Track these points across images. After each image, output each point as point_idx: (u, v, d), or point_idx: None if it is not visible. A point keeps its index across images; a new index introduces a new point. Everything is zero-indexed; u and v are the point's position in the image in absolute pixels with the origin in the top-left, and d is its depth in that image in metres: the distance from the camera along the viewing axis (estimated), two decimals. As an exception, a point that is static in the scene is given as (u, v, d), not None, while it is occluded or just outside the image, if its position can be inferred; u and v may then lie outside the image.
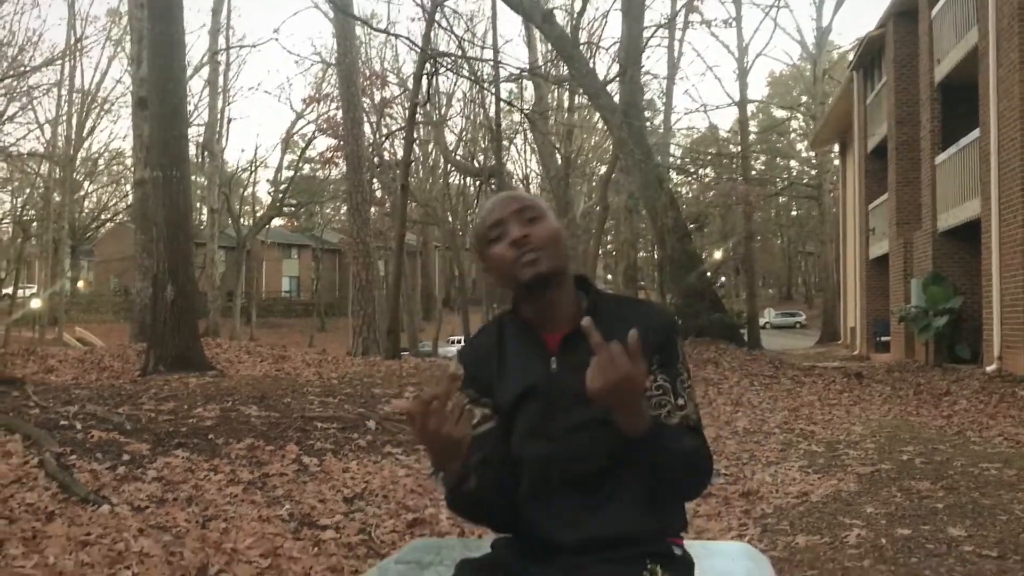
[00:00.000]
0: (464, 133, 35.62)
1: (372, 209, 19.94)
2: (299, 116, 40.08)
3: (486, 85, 19.67)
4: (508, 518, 1.76)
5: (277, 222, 51.91)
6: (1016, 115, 12.01)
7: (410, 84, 23.51)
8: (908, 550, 4.47)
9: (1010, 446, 7.11)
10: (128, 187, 48.38)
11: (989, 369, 12.54)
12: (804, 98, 46.15)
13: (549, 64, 27.90)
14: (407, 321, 24.98)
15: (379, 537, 5.08)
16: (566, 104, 30.48)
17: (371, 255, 14.08)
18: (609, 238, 40.37)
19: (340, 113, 20.42)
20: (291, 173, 44.59)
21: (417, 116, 17.83)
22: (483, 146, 33.40)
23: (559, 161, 28.31)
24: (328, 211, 58.75)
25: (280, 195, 45.18)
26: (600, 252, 32.17)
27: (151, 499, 5.13)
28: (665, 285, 15.92)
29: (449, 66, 17.62)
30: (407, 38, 17.28)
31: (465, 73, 20.68)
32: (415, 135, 19.32)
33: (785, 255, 71.78)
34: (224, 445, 6.13)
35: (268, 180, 63.22)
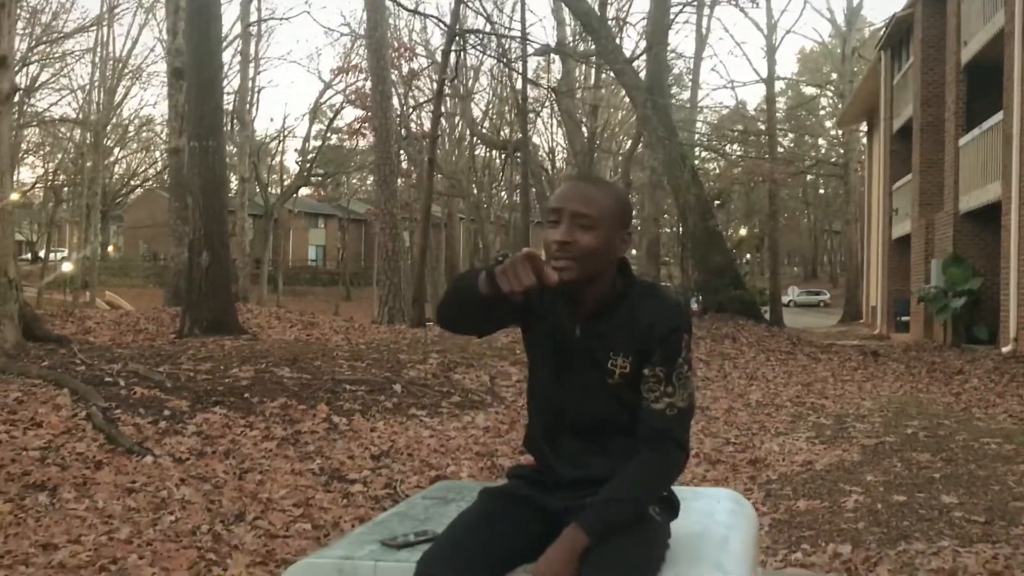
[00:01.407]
0: (490, 107, 35.75)
1: (399, 180, 20.19)
2: (327, 86, 40.35)
3: (511, 62, 19.81)
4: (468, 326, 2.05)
5: (304, 191, 52.28)
6: (1039, 99, 12.10)
7: (438, 56, 23.71)
8: (901, 514, 4.74)
9: (1013, 423, 7.33)
10: (158, 154, 48.92)
11: (1005, 350, 12.70)
12: (834, 76, 45.84)
13: (577, 40, 27.99)
14: (431, 292, 25.29)
15: (404, 492, 5.40)
16: (591, 80, 30.54)
17: (397, 226, 14.38)
18: (633, 214, 40.43)
19: (368, 85, 20.66)
20: (319, 143, 44.89)
21: (445, 90, 18.04)
22: (509, 120, 33.53)
23: (584, 136, 28.43)
24: (354, 181, 59.07)
25: (308, 165, 45.52)
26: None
27: (191, 452, 5.48)
28: (687, 261, 16.12)
29: (477, 43, 17.83)
30: (435, 17, 17.47)
31: (492, 52, 20.85)
32: (442, 108, 19.55)
33: (811, 233, 71.41)
34: (259, 404, 6.47)
35: (296, 150, 63.65)
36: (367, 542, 2.08)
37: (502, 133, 35.24)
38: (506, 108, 34.12)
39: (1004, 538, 4.28)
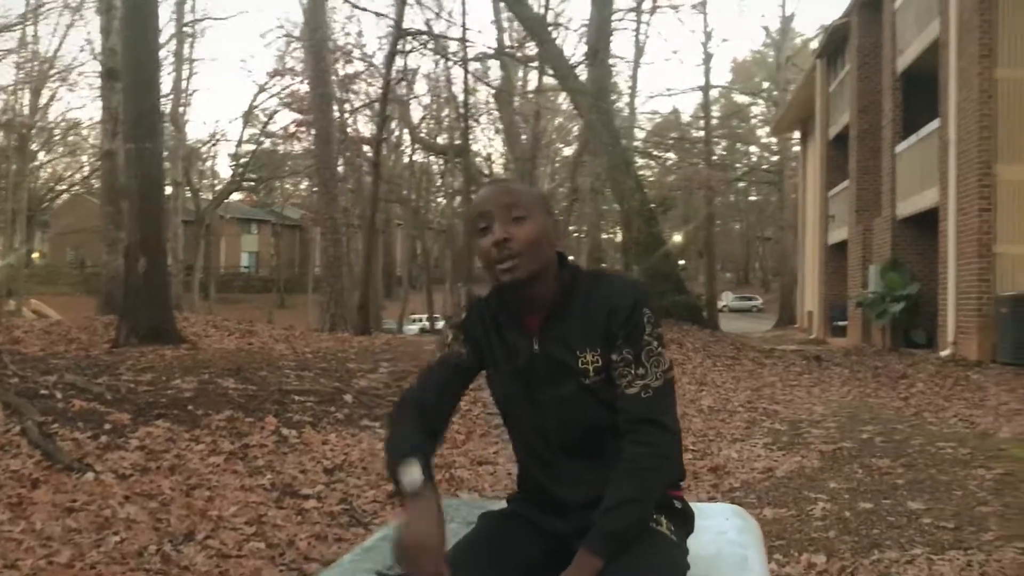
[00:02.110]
0: (429, 111, 35.51)
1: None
2: (262, 89, 39.65)
3: (459, 63, 19.65)
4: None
5: (236, 197, 51.38)
6: (974, 107, 12.34)
7: (375, 60, 23.45)
8: (871, 522, 4.70)
9: (965, 426, 7.40)
10: (85, 158, 47.60)
11: (943, 354, 12.93)
12: (766, 84, 46.61)
13: (516, 45, 27.95)
14: (370, 299, 24.98)
15: (360, 507, 5.21)
16: (531, 84, 30.56)
17: (339, 231, 14.10)
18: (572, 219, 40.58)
19: (305, 87, 20.29)
20: (252, 147, 44.14)
21: (390, 93, 17.81)
22: (447, 124, 33.34)
23: (524, 142, 28.39)
24: (288, 186, 58.24)
25: (240, 169, 44.73)
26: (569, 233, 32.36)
27: (134, 467, 5.20)
28: (630, 267, 16.11)
29: (421, 45, 17.63)
30: (386, 15, 17.12)
31: (439, 52, 20.65)
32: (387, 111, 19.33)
33: (743, 240, 72.58)
34: (204, 416, 6.20)
35: (229, 154, 62.55)
36: (359, 571, 1.91)
37: (439, 138, 35.04)
38: (444, 112, 33.96)
39: (976, 544, 4.26)
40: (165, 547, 4.18)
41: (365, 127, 34.62)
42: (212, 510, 4.75)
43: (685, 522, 1.87)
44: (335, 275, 13.89)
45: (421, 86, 35.92)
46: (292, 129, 28.03)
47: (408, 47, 17.19)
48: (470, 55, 18.98)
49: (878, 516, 4.80)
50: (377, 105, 35.37)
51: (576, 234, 29.69)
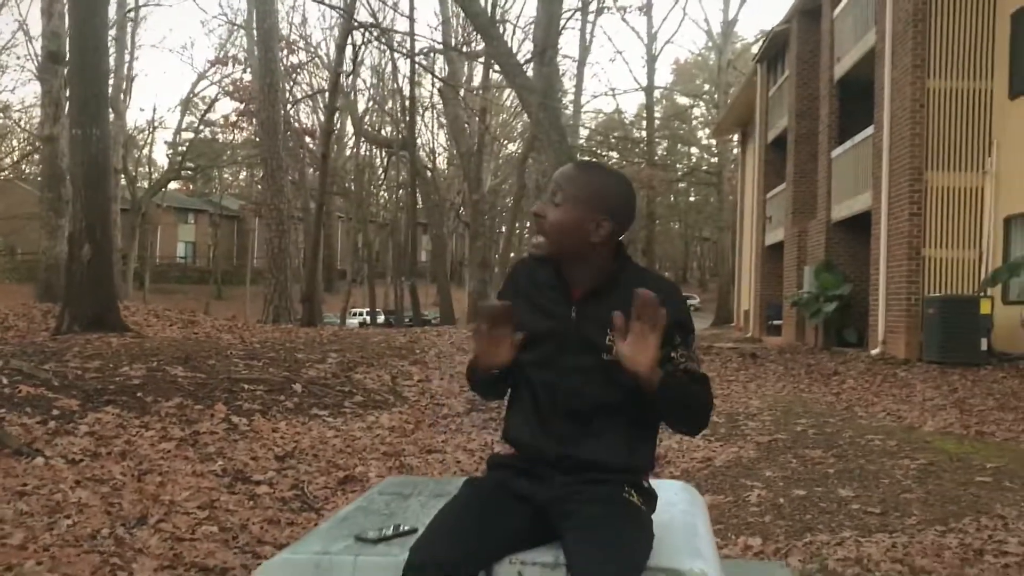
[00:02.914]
0: (372, 103, 35.39)
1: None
2: (201, 77, 39.14)
3: (406, 56, 19.63)
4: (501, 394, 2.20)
5: (173, 186, 50.53)
6: (907, 114, 12.79)
7: (320, 51, 23.30)
8: (803, 508, 4.94)
9: (892, 420, 7.74)
10: (15, 143, 46.36)
11: (874, 352, 13.38)
12: (706, 87, 47.35)
13: (462, 40, 27.99)
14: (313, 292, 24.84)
15: (312, 492, 5.30)
16: (476, 81, 30.62)
17: (285, 222, 14.05)
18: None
19: (248, 76, 20.10)
20: (191, 136, 43.50)
21: (340, 84, 17.74)
22: (392, 118, 33.25)
23: (469, 137, 28.46)
24: (227, 176, 57.46)
25: (179, 158, 44.02)
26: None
27: (84, 453, 5.23)
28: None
29: (373, 37, 17.59)
30: (339, 8, 16.87)
31: (392, 45, 20.60)
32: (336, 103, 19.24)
33: (682, 239, 73.51)
34: (153, 403, 6.22)
35: (166, 142, 61.45)
36: (338, 537, 2.03)
37: (383, 131, 34.95)
38: (388, 106, 33.83)
39: (900, 528, 4.52)
40: (118, 530, 4.23)
41: (307, 118, 34.44)
42: (164, 495, 4.80)
43: (651, 500, 2.06)
44: (280, 267, 13.84)
45: (366, 78, 35.78)
46: (234, 118, 27.78)
47: (359, 40, 17.18)
48: (417, 49, 19.01)
49: (810, 502, 5.04)
50: (319, 96, 35.24)
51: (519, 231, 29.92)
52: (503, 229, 39.15)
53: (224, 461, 5.50)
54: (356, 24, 15.26)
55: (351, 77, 18.77)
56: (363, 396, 7.27)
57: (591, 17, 30.70)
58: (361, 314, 39.13)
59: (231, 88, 30.36)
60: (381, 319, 36.14)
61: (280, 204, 13.84)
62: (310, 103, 33.09)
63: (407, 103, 21.77)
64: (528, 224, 33.55)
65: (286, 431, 6.21)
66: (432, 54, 25.47)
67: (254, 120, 22.27)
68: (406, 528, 2.05)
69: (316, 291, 15.43)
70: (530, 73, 16.40)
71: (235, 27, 31.35)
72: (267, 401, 6.71)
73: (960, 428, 7.32)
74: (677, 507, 2.29)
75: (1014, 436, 6.95)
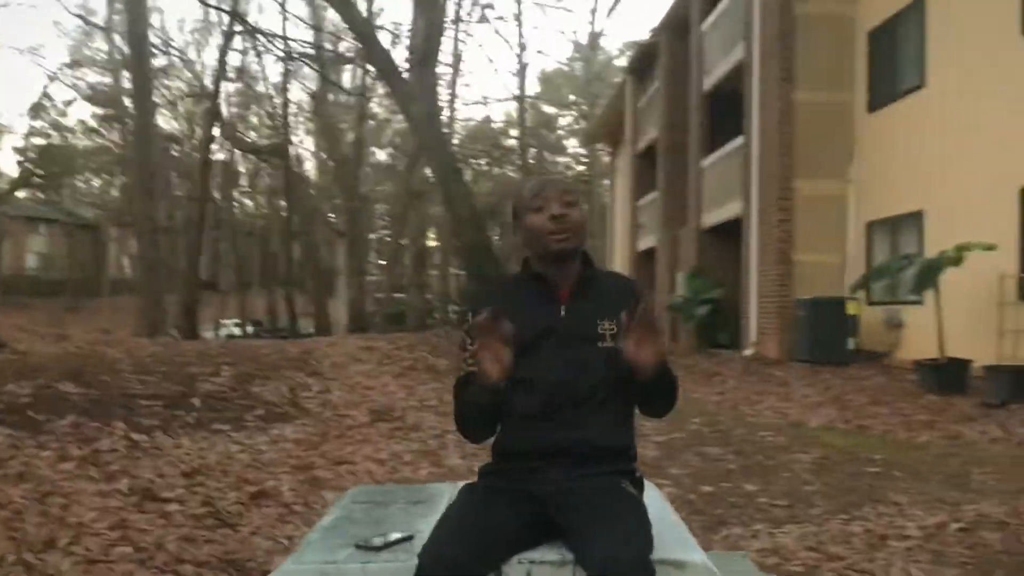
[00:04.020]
0: (243, 109, 34.49)
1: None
2: (53, 80, 37.27)
3: (282, 60, 19.24)
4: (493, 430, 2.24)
5: (21, 194, 47.87)
6: (775, 126, 13.44)
7: (189, 54, 22.53)
8: (714, 503, 5.16)
9: (778, 417, 8.14)
10: None
11: (747, 353, 13.98)
12: (572, 96, 48.21)
13: (334, 47, 27.67)
14: (179, 304, 23.97)
15: (225, 509, 5.18)
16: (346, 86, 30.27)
17: (158, 232, 13.54)
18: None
19: (107, 79, 19.30)
20: (41, 141, 41.32)
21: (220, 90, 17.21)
22: (262, 123, 32.52)
23: (344, 144, 28.13)
24: (81, 184, 54.81)
25: (27, 165, 41.76)
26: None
27: (-23, 477, 4.96)
28: (461, 272, 16.45)
29: (261, 43, 17.17)
30: (226, 9, 16.31)
31: (267, 49, 20.17)
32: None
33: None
34: (46, 422, 5.95)
35: (14, 148, 58.20)
36: (335, 547, 2.05)
37: (248, 137, 34.10)
38: (251, 109, 33.04)
39: (807, 518, 4.78)
40: (25, 555, 4.05)
41: (165, 123, 33.26)
42: (71, 517, 4.61)
43: (641, 488, 2.21)
44: (154, 278, 13.36)
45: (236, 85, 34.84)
46: (94, 123, 26.62)
47: (240, 45, 16.76)
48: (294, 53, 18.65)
49: (719, 498, 5.27)
50: (180, 101, 34.14)
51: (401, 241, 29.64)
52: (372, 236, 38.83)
53: (129, 479, 5.31)
54: (249, 29, 14.90)
55: (219, 82, 18.37)
56: (264, 409, 7.13)
57: (463, 26, 30.78)
58: (228, 326, 37.98)
59: (91, 92, 29.09)
60: (252, 328, 35.14)
61: (152, 213, 13.36)
62: (165, 112, 31.99)
63: (280, 108, 21.36)
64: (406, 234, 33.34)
65: (190, 447, 6.04)
66: (306, 60, 25.06)
67: (115, 125, 21.43)
68: (404, 535, 2.08)
69: (197, 302, 14.99)
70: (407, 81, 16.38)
71: (95, 29, 29.96)
72: (166, 417, 6.50)
73: (842, 423, 7.77)
74: (649, 503, 2.39)
75: (891, 429, 7.43)
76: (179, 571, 4.18)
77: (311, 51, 20.79)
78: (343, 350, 10.08)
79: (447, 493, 2.56)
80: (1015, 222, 9.70)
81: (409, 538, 2.07)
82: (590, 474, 2.08)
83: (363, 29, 15.08)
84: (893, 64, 12.58)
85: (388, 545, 2.02)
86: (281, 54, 20.44)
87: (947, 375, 9.33)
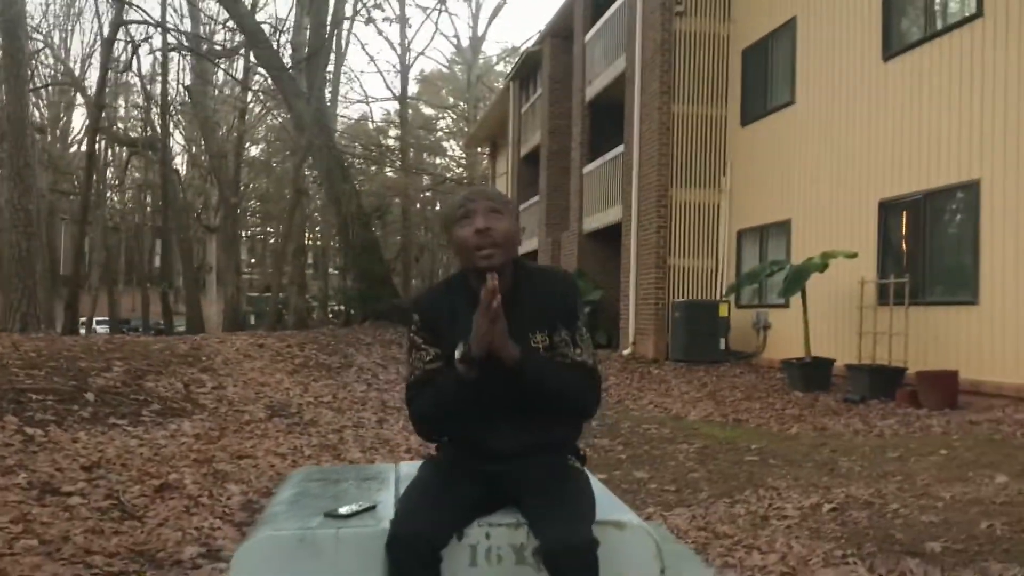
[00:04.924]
0: (108, 101, 33.24)
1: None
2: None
3: (158, 52, 18.68)
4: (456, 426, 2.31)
5: None
6: (655, 136, 14.03)
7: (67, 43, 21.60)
8: (609, 489, 5.47)
9: (660, 412, 8.58)
10: None
11: (625, 352, 14.51)
12: (451, 99, 48.45)
13: (212, 39, 27.10)
14: (43, 299, 22.95)
15: (130, 501, 5.19)
16: (223, 79, 29.62)
17: (33, 223, 13.03)
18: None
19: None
20: None
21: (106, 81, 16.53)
22: (136, 115, 31.45)
23: (221, 139, 27.54)
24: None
25: None
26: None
27: None
28: (347, 271, 16.40)
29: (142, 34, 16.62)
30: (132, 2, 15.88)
31: (207, 52, 19.45)
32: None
33: (429, 247, 74.51)
34: (-66, 417, 5.79)
35: None
36: (305, 517, 2.21)
37: (116, 128, 32.91)
38: (120, 101, 31.93)
39: (695, 502, 5.17)
40: (-76, 550, 4.01)
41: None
42: (-32, 511, 4.56)
43: (584, 461, 2.43)
44: (28, 271, 12.85)
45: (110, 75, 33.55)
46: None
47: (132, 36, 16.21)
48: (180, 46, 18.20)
49: (613, 484, 5.59)
50: (45, 90, 32.69)
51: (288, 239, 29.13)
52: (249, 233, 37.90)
53: (27, 473, 5.26)
54: (127, 21, 14.43)
55: (105, 71, 17.71)
56: (160, 404, 7.09)
57: (346, 24, 30.58)
58: (102, 322, 36.51)
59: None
60: (127, 326, 33.90)
61: (28, 204, 12.85)
62: (32, 98, 30.55)
63: (153, 100, 20.76)
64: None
65: (87, 441, 5.99)
66: (184, 52, 24.46)
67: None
68: (367, 504, 2.27)
69: (78, 297, 14.45)
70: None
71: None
72: (60, 411, 6.41)
73: (719, 416, 8.27)
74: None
75: (764, 422, 7.96)
76: (89, 562, 4.20)
77: (191, 42, 20.32)
78: (233, 347, 10.02)
79: (392, 472, 2.76)
80: (874, 232, 10.49)
81: (372, 507, 2.26)
82: (537, 453, 2.26)
83: (250, 25, 14.91)
84: (764, 81, 13.34)
85: (355, 514, 2.20)
86: (170, 45, 19.86)
87: (812, 373, 10.01)
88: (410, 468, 2.77)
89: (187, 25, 25.80)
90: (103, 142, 26.30)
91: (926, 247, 9.80)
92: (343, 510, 2.21)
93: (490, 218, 2.19)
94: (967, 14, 9.26)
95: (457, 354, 2.15)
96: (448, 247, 2.36)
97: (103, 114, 18.90)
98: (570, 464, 2.33)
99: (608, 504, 2.36)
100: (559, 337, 2.26)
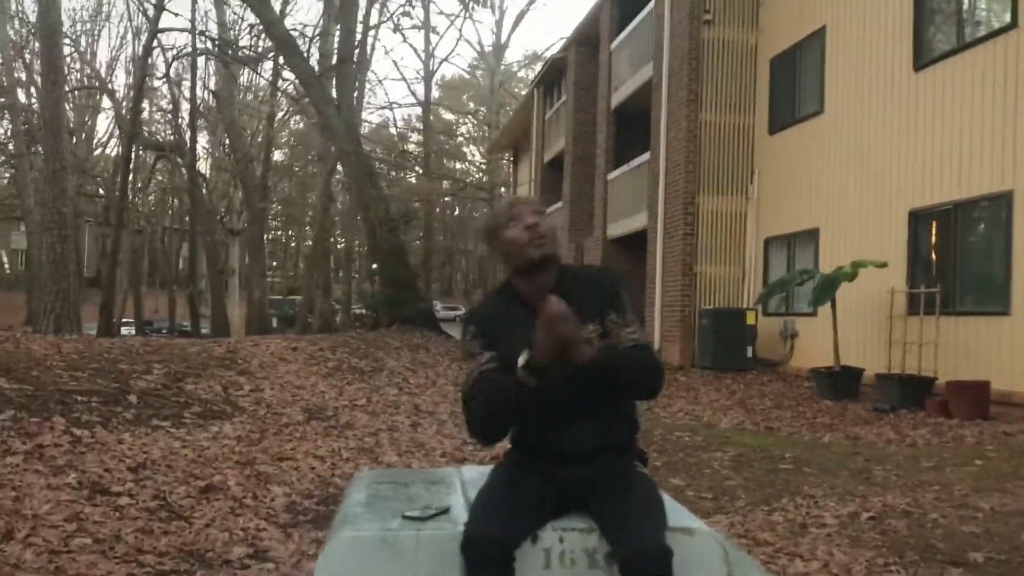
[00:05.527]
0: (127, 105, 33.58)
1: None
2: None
3: (186, 56, 18.94)
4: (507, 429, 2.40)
5: None
6: (682, 144, 14.08)
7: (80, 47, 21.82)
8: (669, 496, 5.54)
9: (691, 419, 8.63)
10: None
11: (650, 360, 14.52)
12: (471, 105, 48.66)
13: (237, 44, 27.28)
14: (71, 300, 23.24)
15: (176, 502, 5.29)
16: (244, 84, 29.83)
17: (67, 226, 13.22)
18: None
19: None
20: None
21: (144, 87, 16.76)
22: (165, 120, 31.73)
23: (247, 144, 27.75)
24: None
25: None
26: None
27: (-77, 472, 4.95)
28: (374, 275, 16.51)
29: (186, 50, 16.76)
30: (151, 3, 16.04)
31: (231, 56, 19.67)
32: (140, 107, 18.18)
33: (447, 252, 74.80)
34: (-16, 417, 5.92)
35: None
36: (384, 518, 2.29)
37: (144, 131, 33.21)
38: (144, 105, 32.18)
39: (732, 509, 5.22)
40: (-17, 546, 4.11)
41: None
42: (25, 509, 4.67)
43: (646, 463, 2.51)
44: (62, 274, 13.03)
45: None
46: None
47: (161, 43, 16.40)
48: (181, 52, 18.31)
49: (651, 491, 5.66)
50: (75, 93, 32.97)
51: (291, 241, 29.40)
52: (270, 236, 38.21)
53: (77, 473, 5.37)
54: (162, 29, 14.62)
55: (143, 79, 17.93)
56: (200, 407, 7.21)
57: (372, 32, 30.82)
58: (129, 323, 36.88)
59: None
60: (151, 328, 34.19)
61: (62, 207, 13.04)
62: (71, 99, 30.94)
63: (183, 105, 20.95)
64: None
65: (132, 442, 6.10)
66: (213, 57, 24.66)
67: (6, 114, 20.69)
68: (442, 507, 2.35)
69: (113, 299, 14.62)
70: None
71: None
72: (104, 413, 6.53)
73: (751, 425, 8.31)
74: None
75: (796, 431, 8.00)
76: (141, 561, 4.30)
77: (223, 49, 20.53)
78: (268, 350, 10.15)
79: (456, 475, 2.84)
80: (904, 242, 10.50)
81: (447, 510, 2.34)
82: (604, 464, 2.33)
83: (280, 33, 15.06)
84: (793, 90, 13.37)
85: (431, 516, 2.29)
86: (199, 50, 20.06)
87: (842, 382, 10.03)
88: (472, 472, 2.86)
89: (213, 29, 26.09)
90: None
91: (957, 257, 9.80)
92: (419, 512, 2.29)
93: (536, 217, 2.35)
94: (1001, 24, 9.27)
95: (520, 361, 2.22)
96: (492, 254, 2.45)
97: (139, 118, 19.13)
98: (638, 469, 2.39)
99: (674, 510, 2.43)
100: (611, 321, 2.35)
